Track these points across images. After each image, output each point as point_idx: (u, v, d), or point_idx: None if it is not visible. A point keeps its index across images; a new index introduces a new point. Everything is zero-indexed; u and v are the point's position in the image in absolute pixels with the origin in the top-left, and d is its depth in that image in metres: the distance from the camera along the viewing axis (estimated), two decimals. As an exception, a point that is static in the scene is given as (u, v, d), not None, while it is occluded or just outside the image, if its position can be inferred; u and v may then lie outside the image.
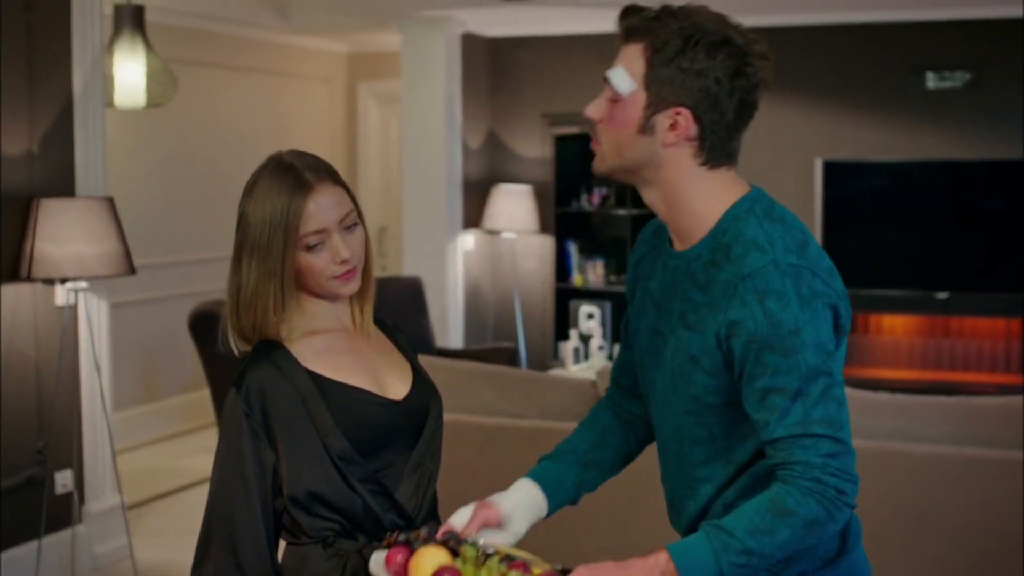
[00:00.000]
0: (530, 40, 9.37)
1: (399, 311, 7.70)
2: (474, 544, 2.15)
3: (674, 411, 2.27)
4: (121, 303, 7.70)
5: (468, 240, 9.19)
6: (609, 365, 6.93)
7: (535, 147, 9.38)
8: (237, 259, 2.35)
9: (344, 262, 2.32)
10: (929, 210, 8.42)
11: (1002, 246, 8.31)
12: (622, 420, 2.53)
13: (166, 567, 5.90)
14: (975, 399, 4.89)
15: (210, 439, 8.11)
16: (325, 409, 2.29)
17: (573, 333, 8.85)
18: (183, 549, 6.05)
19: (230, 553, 2.27)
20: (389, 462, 2.35)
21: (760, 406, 2.09)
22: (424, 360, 2.65)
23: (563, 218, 9.34)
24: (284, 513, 2.32)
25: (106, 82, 6.08)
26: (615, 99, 2.17)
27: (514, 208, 9.06)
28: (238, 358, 2.38)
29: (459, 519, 2.27)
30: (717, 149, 2.16)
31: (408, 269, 8.80)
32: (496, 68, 9.48)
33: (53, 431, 5.58)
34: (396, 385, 2.42)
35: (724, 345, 2.12)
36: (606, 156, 2.22)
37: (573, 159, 9.45)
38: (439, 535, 2.20)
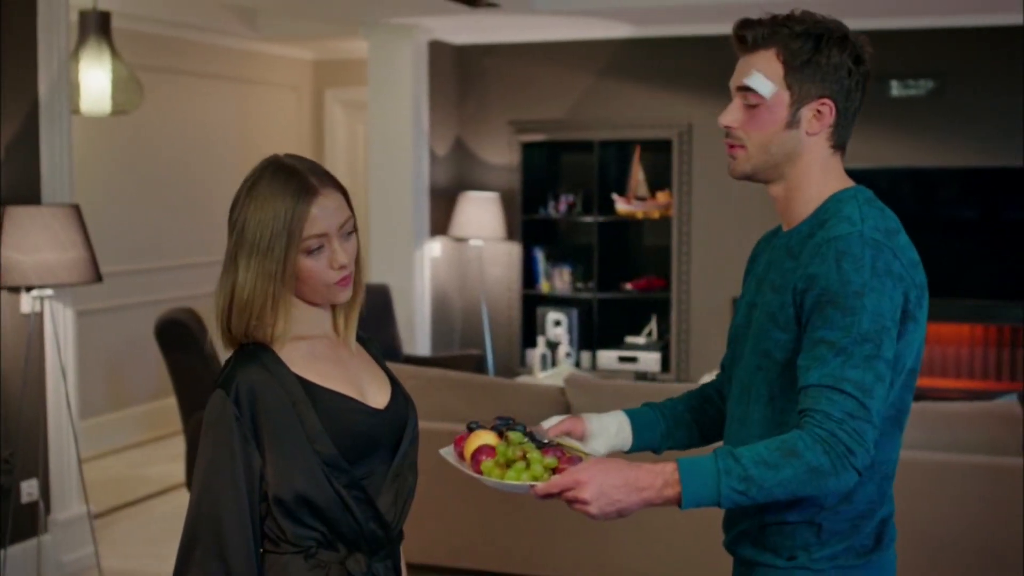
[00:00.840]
0: (497, 48, 9.37)
1: (366, 319, 7.66)
2: (522, 430, 2.34)
3: (748, 369, 2.41)
4: (87, 310, 7.66)
5: (435, 247, 9.18)
6: (576, 372, 6.93)
7: (502, 154, 9.38)
8: (233, 260, 2.30)
9: (342, 268, 2.32)
10: (894, 217, 8.46)
11: (967, 252, 8.37)
12: (722, 400, 2.68)
13: (133, 576, 5.89)
14: (944, 404, 4.93)
15: (177, 447, 8.08)
16: (314, 414, 2.27)
17: (540, 340, 8.85)
18: (150, 558, 6.05)
19: (218, 559, 2.23)
20: (371, 470, 2.35)
21: (808, 354, 2.23)
22: (392, 368, 2.65)
23: (530, 225, 9.34)
24: (265, 520, 2.30)
25: (72, 89, 6.06)
26: (753, 104, 2.37)
27: (481, 215, 9.06)
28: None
29: (548, 423, 2.49)
30: (844, 133, 2.40)
31: (375, 276, 8.79)
32: (463, 75, 9.49)
33: (19, 440, 5.55)
34: (377, 395, 2.42)
35: (798, 298, 2.27)
36: (752, 156, 2.40)
37: (540, 166, 9.46)
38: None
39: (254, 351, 2.31)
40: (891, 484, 2.39)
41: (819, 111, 2.34)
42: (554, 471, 2.25)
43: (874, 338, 2.18)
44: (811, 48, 2.32)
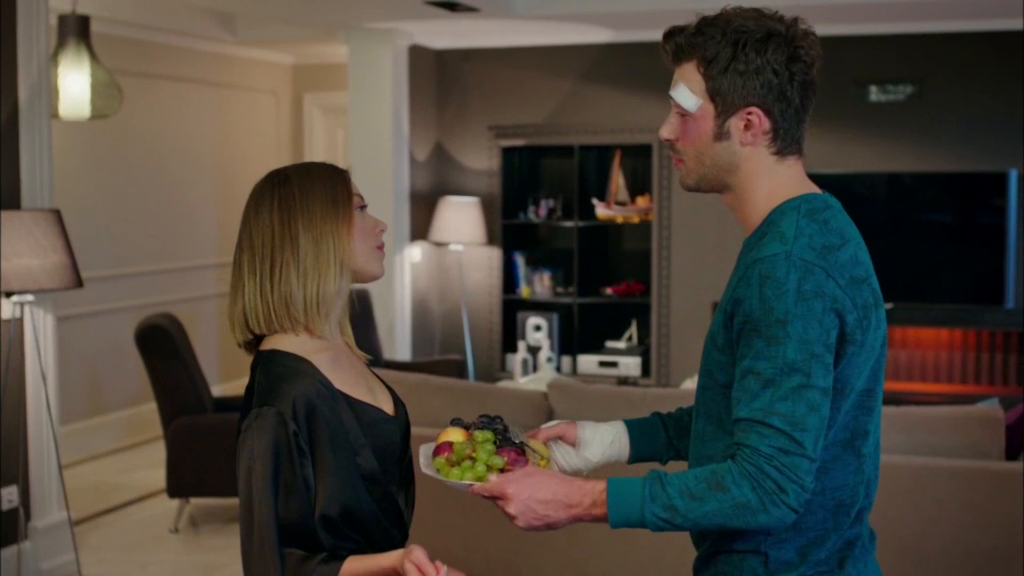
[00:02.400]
0: (477, 52, 9.37)
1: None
2: (491, 429, 2.35)
3: (698, 386, 2.36)
4: (66, 315, 7.63)
5: (415, 252, 9.18)
6: (559, 377, 6.91)
7: (482, 159, 9.38)
8: (293, 246, 2.30)
9: (382, 231, 2.40)
10: (872, 222, 8.49)
11: (945, 257, 8.40)
12: None
13: (114, 583, 5.87)
14: (924, 408, 4.93)
15: (156, 453, 8.04)
16: (358, 427, 2.29)
17: (521, 345, 8.85)
18: (130, 564, 6.02)
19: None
20: (392, 476, 2.38)
21: (739, 384, 2.15)
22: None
23: (510, 230, 9.34)
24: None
25: (50, 93, 6.03)
26: (684, 114, 2.29)
27: (461, 220, 9.06)
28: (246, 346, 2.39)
29: (545, 426, 2.50)
30: (789, 136, 2.28)
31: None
32: (443, 80, 9.49)
33: (-1, 446, 5.53)
34: (383, 400, 2.44)
35: (728, 322, 2.20)
36: (691, 170, 2.32)
37: (520, 171, 9.46)
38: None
39: (293, 364, 2.29)
40: (853, 509, 2.27)
41: (748, 120, 2.23)
42: (502, 471, 2.26)
43: (803, 367, 2.09)
44: (728, 56, 2.21)
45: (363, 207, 2.38)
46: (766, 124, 2.24)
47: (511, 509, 2.20)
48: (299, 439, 2.21)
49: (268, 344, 2.34)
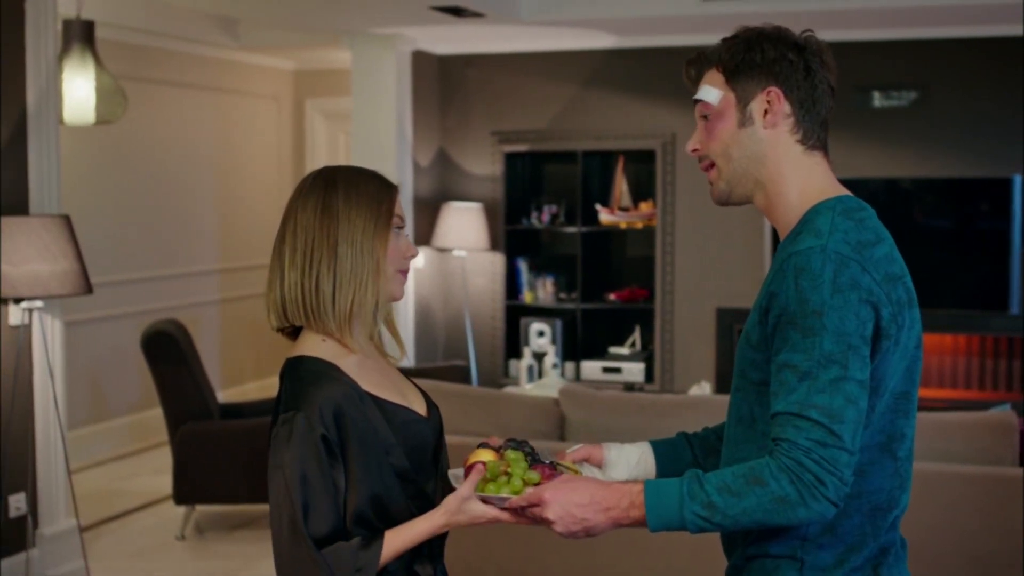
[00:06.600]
0: (480, 58, 9.36)
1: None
2: (519, 449, 2.35)
3: (732, 389, 2.37)
4: (70, 321, 7.61)
5: (418, 258, 9.11)
6: (569, 384, 6.89)
7: (485, 165, 9.37)
8: (331, 249, 2.34)
9: (412, 256, 2.43)
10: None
11: (948, 263, 8.40)
12: None
13: (121, 590, 5.85)
14: (938, 414, 4.93)
15: (161, 459, 8.03)
16: (387, 427, 2.31)
17: (526, 351, 8.84)
18: (137, 572, 6.01)
19: None
20: (427, 477, 2.41)
21: (775, 379, 2.16)
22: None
23: (513, 235, 9.33)
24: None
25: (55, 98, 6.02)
26: (707, 115, 2.36)
27: (464, 226, 9.05)
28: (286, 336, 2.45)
29: (570, 450, 2.51)
30: (810, 121, 2.33)
31: (358, 287, 8.74)
32: (446, 85, 9.47)
33: (7, 453, 5.49)
34: (415, 402, 2.46)
35: (764, 318, 2.21)
36: (721, 169, 2.37)
37: (523, 176, 9.46)
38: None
39: (320, 369, 2.33)
40: (891, 515, 2.27)
41: (768, 102, 2.30)
42: (536, 486, 2.26)
43: (839, 359, 2.09)
44: (744, 49, 2.32)
45: (400, 228, 2.41)
46: (786, 106, 2.31)
47: (549, 514, 2.19)
48: (328, 443, 2.25)
49: (296, 350, 2.39)
